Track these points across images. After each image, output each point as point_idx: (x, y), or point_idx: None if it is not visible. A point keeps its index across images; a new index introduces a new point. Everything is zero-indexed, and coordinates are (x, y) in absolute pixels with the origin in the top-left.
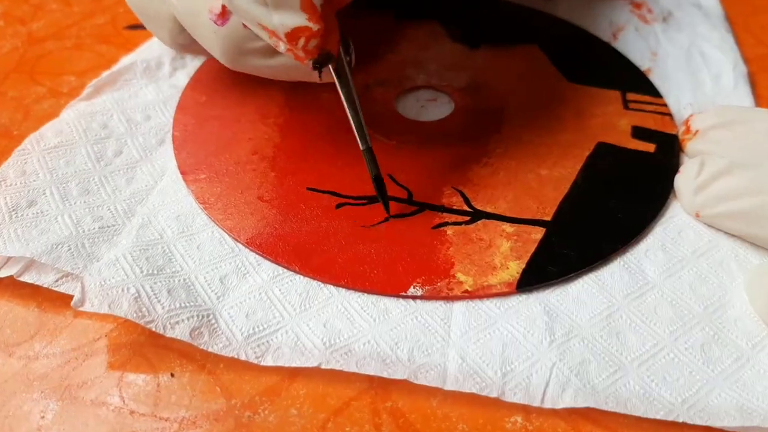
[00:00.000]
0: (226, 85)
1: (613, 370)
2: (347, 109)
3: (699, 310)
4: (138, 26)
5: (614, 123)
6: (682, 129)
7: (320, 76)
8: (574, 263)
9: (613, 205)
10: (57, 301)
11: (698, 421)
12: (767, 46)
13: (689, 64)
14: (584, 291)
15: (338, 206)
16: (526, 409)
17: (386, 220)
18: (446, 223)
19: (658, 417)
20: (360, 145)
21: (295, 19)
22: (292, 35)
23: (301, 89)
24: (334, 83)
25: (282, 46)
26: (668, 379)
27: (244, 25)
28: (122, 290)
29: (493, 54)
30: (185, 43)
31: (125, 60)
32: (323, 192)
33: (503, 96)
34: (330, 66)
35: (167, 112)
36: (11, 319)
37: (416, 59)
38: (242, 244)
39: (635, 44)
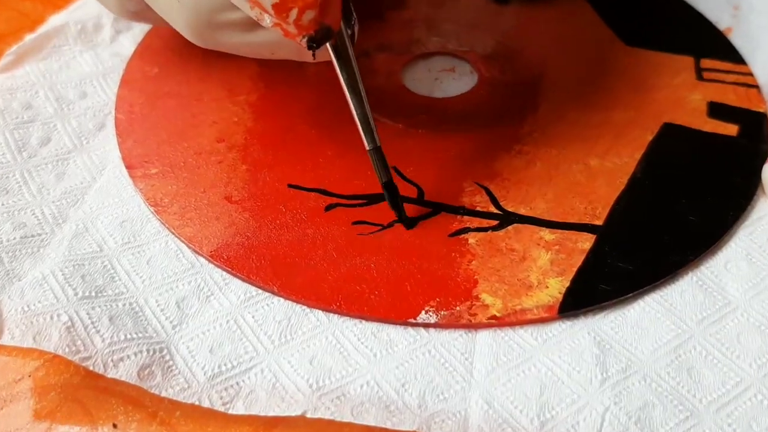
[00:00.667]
0: (184, 53)
1: (684, 417)
2: (349, 98)
3: None
4: None
5: (685, 98)
6: None
7: (314, 56)
8: (633, 280)
9: (683, 206)
10: None
11: None
12: None
13: None
14: (646, 315)
15: (328, 208)
16: None
17: (390, 225)
18: (468, 229)
19: None
20: (366, 144)
21: None
22: (281, 5)
23: None
24: (330, 62)
25: (267, 20)
26: (755, 429)
27: None
28: (51, 318)
29: (527, 10)
30: (136, 9)
31: (54, 20)
32: (309, 190)
33: (541, 65)
34: (328, 44)
35: (108, 87)
36: None
37: (428, 18)
38: (205, 257)
39: None
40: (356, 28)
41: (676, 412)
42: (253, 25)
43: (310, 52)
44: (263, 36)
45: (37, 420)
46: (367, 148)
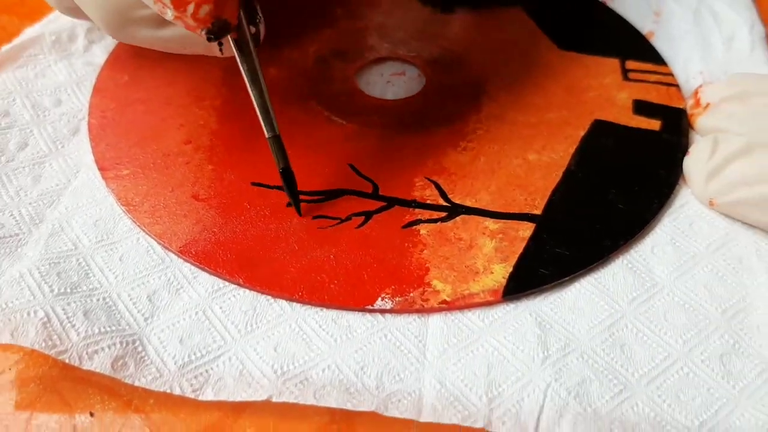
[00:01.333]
0: (153, 60)
1: (618, 390)
2: (250, 90)
3: (716, 314)
4: None
5: (612, 97)
6: (690, 102)
7: (221, 50)
8: (570, 264)
9: (613, 195)
10: None
11: None
12: None
13: (698, 25)
14: (582, 297)
15: (289, 204)
16: None
17: (348, 219)
18: (419, 221)
19: None
20: (266, 133)
21: None
22: (179, 0)
23: None
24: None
25: (169, 14)
26: (683, 399)
27: None
28: (28, 314)
29: (470, 18)
30: (70, 6)
31: (29, 32)
32: (271, 187)
33: (482, 68)
34: (230, 37)
35: (82, 95)
36: None
37: (380, 26)
38: (174, 252)
39: (635, 3)
40: (262, 27)
41: (611, 386)
42: (163, 21)
43: (218, 46)
44: (172, 31)
45: (18, 410)
46: (267, 136)
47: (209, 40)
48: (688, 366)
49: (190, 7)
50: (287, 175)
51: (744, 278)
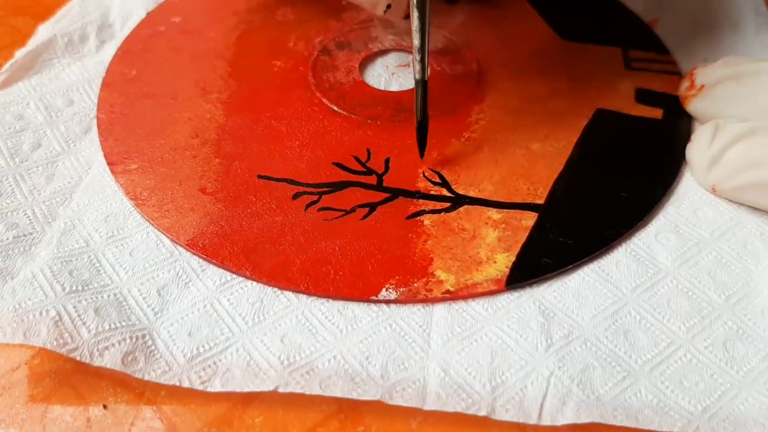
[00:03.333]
0: (160, 55)
1: (622, 377)
2: (417, 38)
3: (720, 300)
4: None
5: (615, 86)
6: (685, 84)
7: (386, 9)
8: (573, 253)
9: (615, 183)
10: None
11: None
12: None
13: (702, 11)
14: (585, 285)
15: (295, 196)
16: (520, 428)
17: (353, 210)
18: (423, 212)
19: (675, 430)
20: (416, 75)
21: None
22: None
23: (249, 58)
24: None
25: None
26: (686, 385)
27: None
28: (40, 314)
29: (473, 9)
30: None
31: (42, 30)
32: (277, 180)
33: (485, 58)
34: None
35: (93, 93)
36: None
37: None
38: (182, 246)
39: None
40: None
41: (614, 373)
42: None
43: (379, 5)
44: None
45: (33, 404)
46: (416, 78)
47: None
48: (692, 352)
49: None
50: (422, 128)
51: (748, 263)
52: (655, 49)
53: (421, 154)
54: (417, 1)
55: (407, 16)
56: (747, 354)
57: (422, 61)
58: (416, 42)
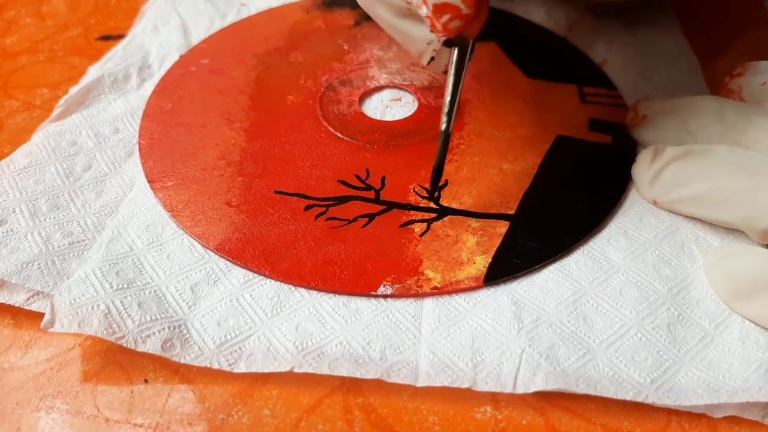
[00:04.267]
0: (191, 91)
1: (582, 353)
2: (449, 94)
3: (664, 290)
4: (110, 37)
5: (572, 116)
6: (630, 115)
7: (430, 61)
8: (539, 255)
9: (573, 197)
10: (30, 314)
11: (667, 402)
12: (712, 39)
13: (644, 56)
14: (550, 280)
15: (306, 208)
16: (495, 399)
17: (354, 220)
18: (413, 221)
19: (627, 398)
20: (442, 126)
21: None
22: (440, 8)
23: (267, 93)
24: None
25: (424, 11)
26: (636, 359)
27: None
28: (92, 308)
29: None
30: None
31: (92, 71)
32: (291, 195)
33: (464, 93)
34: (455, 49)
35: (135, 123)
36: None
37: (380, 59)
38: (212, 250)
39: (590, 36)
40: (474, 51)
41: (576, 350)
42: (405, 14)
43: (423, 55)
44: (406, 26)
45: (85, 379)
46: (442, 129)
47: (444, 45)
48: (641, 332)
49: (445, 17)
50: (438, 172)
51: (685, 262)
52: (604, 86)
53: (433, 192)
54: (456, 63)
55: (445, 71)
56: (686, 336)
57: (449, 114)
58: (447, 97)
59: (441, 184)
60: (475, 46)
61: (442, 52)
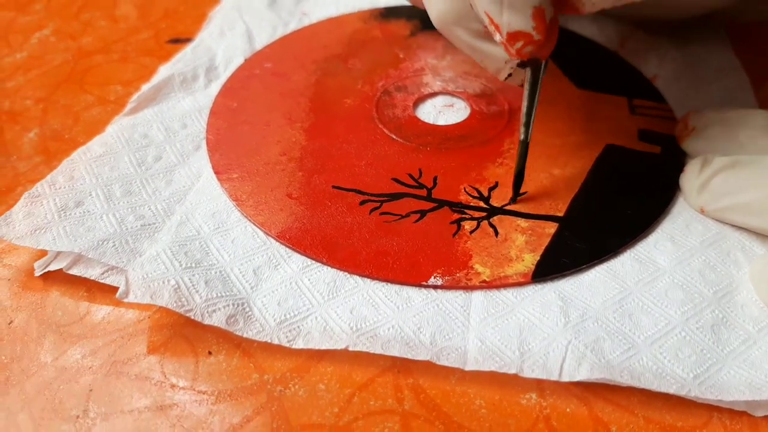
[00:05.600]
0: (255, 92)
1: (627, 347)
2: (525, 107)
3: (709, 294)
4: (179, 40)
5: (622, 126)
6: (680, 126)
7: (507, 77)
8: (586, 256)
9: (621, 203)
10: (103, 287)
11: (709, 396)
12: (764, 59)
13: (695, 71)
14: (597, 279)
15: (362, 203)
16: (540, 387)
17: (407, 215)
18: (464, 219)
19: (670, 391)
20: (521, 136)
21: (522, 23)
22: (514, 36)
23: (326, 96)
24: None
25: (498, 38)
26: (680, 356)
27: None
28: (163, 282)
29: None
30: None
31: (163, 70)
32: (347, 190)
33: (516, 101)
34: (529, 69)
35: (202, 119)
36: (62, 303)
37: (434, 67)
38: (273, 237)
39: (642, 52)
40: (547, 69)
41: (620, 344)
42: (482, 37)
43: (500, 72)
44: (484, 46)
45: (153, 348)
46: (521, 138)
47: (519, 66)
48: (685, 331)
49: (519, 44)
50: (519, 177)
51: (731, 268)
52: (655, 99)
53: (514, 198)
54: (530, 80)
55: (521, 85)
56: (729, 337)
57: (527, 125)
58: (524, 108)
59: (492, 185)
60: (548, 62)
61: (518, 69)
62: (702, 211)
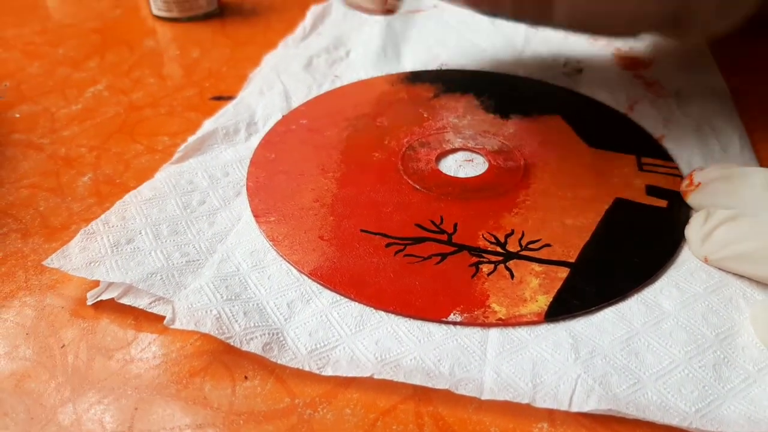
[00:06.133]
0: (291, 145)
1: (633, 382)
2: None
3: (711, 335)
4: (221, 97)
5: (630, 182)
6: (686, 182)
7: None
8: (596, 299)
9: (629, 251)
10: (149, 317)
11: (710, 428)
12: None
13: (699, 133)
14: (605, 320)
15: (387, 245)
16: (551, 417)
17: (429, 258)
18: (482, 262)
19: (673, 423)
20: None
21: None
22: None
23: (356, 150)
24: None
25: None
26: (683, 392)
27: None
28: (206, 312)
29: (521, 122)
30: None
31: (207, 124)
32: (374, 233)
33: (531, 157)
34: None
35: (243, 169)
36: (112, 330)
37: (455, 126)
38: (306, 275)
39: (649, 114)
40: None
41: (627, 379)
42: None
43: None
44: None
45: (193, 375)
46: None
47: None
48: (688, 369)
49: None
50: None
51: (733, 313)
52: (662, 157)
53: None
54: None
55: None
56: (731, 376)
57: None
58: None
59: (508, 233)
60: None
61: None
62: (705, 260)
